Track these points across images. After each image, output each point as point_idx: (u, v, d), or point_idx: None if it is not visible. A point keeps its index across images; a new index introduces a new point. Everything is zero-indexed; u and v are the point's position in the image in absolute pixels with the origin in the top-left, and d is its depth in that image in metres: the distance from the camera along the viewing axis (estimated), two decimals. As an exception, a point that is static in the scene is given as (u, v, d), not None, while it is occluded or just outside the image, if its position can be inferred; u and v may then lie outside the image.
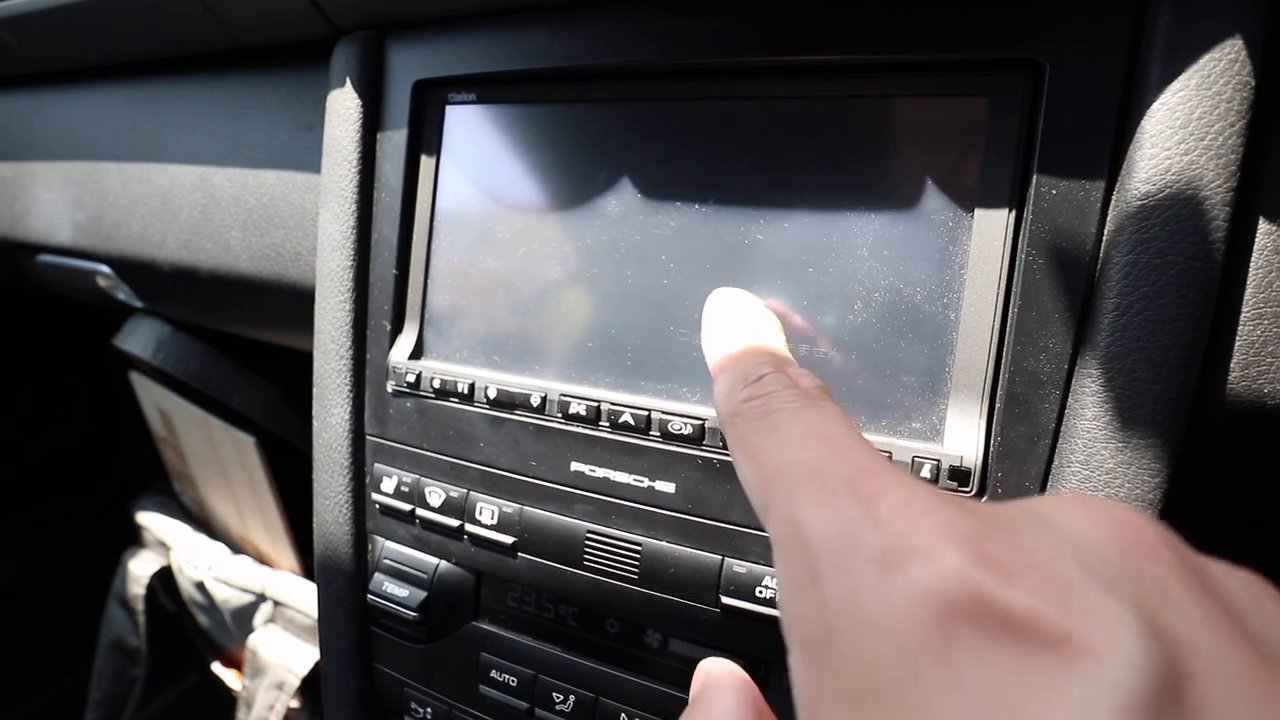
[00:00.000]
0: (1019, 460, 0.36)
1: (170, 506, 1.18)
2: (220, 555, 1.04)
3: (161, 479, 1.22)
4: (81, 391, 1.27)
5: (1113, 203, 0.34)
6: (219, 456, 1.00)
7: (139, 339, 0.88)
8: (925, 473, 0.36)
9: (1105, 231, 0.34)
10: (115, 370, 1.10)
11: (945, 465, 0.36)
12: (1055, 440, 0.35)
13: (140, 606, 1.11)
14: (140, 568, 1.12)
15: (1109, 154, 0.34)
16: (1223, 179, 0.32)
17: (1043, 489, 0.35)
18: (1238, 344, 0.34)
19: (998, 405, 0.36)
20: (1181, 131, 0.32)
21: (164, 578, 1.11)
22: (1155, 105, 0.33)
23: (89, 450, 1.32)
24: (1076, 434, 0.34)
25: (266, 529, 1.01)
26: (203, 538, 1.09)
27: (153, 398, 1.07)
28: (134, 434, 1.25)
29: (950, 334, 0.37)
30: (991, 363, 0.36)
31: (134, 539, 1.17)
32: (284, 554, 0.99)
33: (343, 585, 0.55)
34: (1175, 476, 0.33)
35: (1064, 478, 0.34)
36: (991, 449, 0.36)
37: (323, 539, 0.55)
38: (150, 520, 1.15)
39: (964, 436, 0.37)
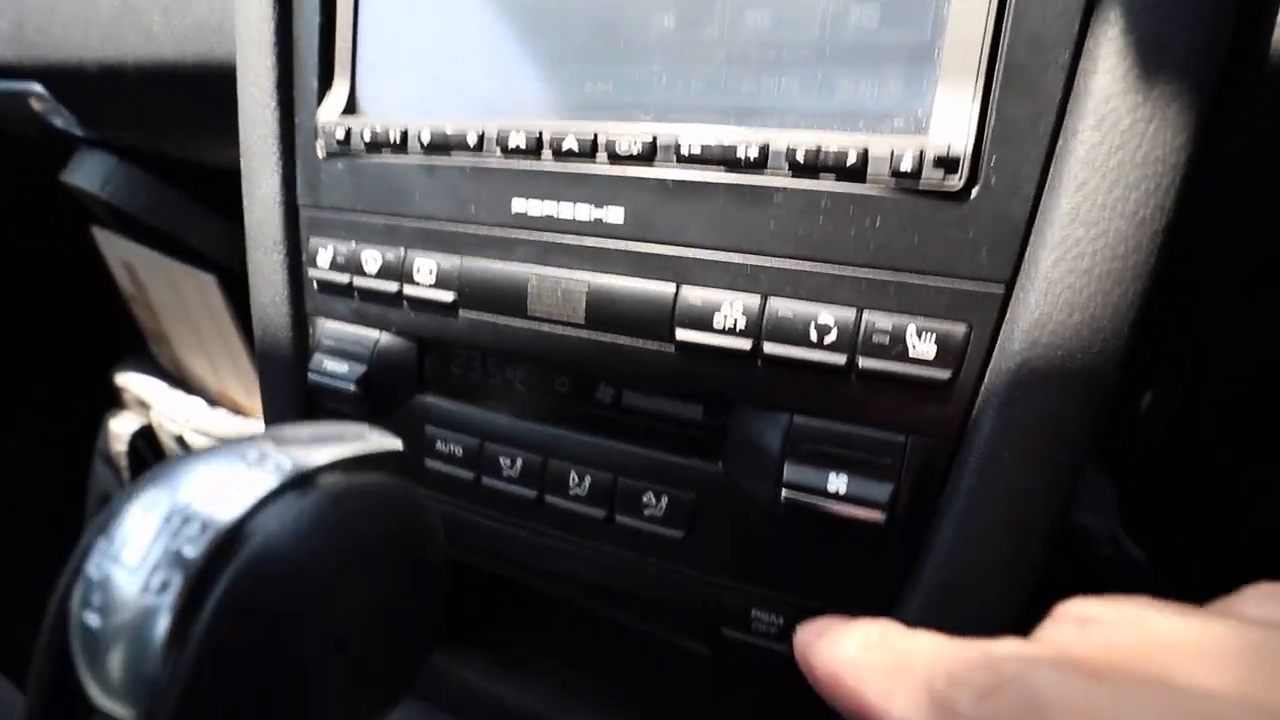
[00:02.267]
0: (1018, 143, 0.30)
1: (149, 369, 1.15)
2: (198, 409, 1.02)
3: (138, 344, 1.19)
4: (51, 271, 1.23)
5: None
6: (185, 306, 0.96)
7: (86, 172, 0.82)
8: (906, 164, 0.31)
9: None
10: (82, 243, 1.05)
11: (930, 155, 0.31)
12: (1061, 115, 0.30)
13: (124, 463, 1.10)
14: (121, 426, 1.11)
15: None
16: None
17: (1044, 174, 0.30)
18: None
19: (995, 80, 0.31)
20: None
21: (145, 436, 1.10)
22: None
23: (67, 325, 1.29)
24: (1089, 95, 0.29)
25: (239, 379, 0.98)
26: (180, 394, 1.06)
27: (116, 252, 1.02)
28: (110, 304, 1.21)
29: (941, 4, 0.31)
30: (989, 30, 0.31)
31: (115, 402, 1.16)
32: (258, 401, 0.97)
33: (283, 371, 0.51)
34: (1203, 138, 0.28)
35: (1071, 148, 0.29)
36: (986, 132, 0.31)
37: (261, 324, 0.51)
38: (129, 381, 1.12)
39: (953, 122, 0.31)
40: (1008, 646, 0.20)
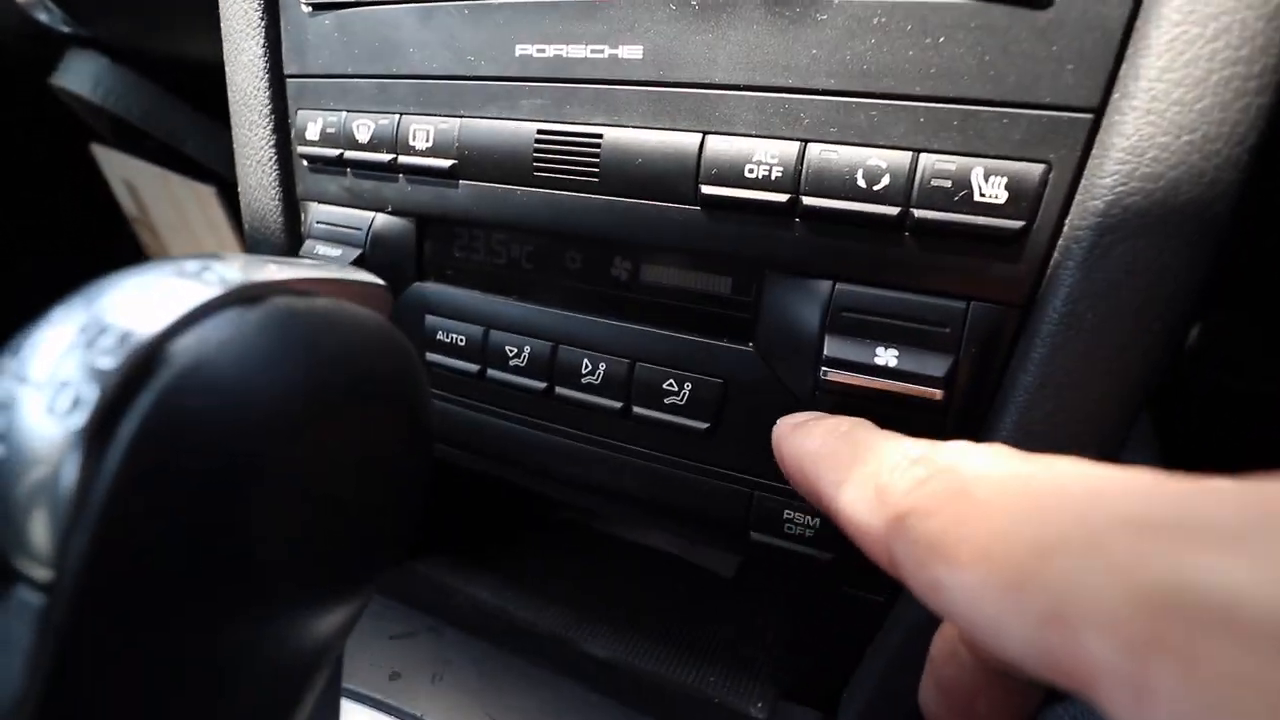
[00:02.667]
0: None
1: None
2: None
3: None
4: (53, 195, 1.19)
5: None
6: (189, 225, 0.92)
7: (76, 74, 0.78)
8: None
9: None
10: (83, 166, 1.01)
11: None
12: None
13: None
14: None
15: None
16: None
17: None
18: None
19: None
20: None
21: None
22: None
23: (72, 251, 1.26)
24: None
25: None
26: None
27: (116, 170, 0.99)
28: (116, 230, 1.18)
29: None
30: None
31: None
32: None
33: (274, 262, 0.47)
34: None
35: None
36: (1079, -83, 0.25)
37: (250, 211, 0.47)
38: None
39: (1040, -88, 0.26)
40: (956, 443, 0.20)
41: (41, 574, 0.16)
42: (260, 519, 0.18)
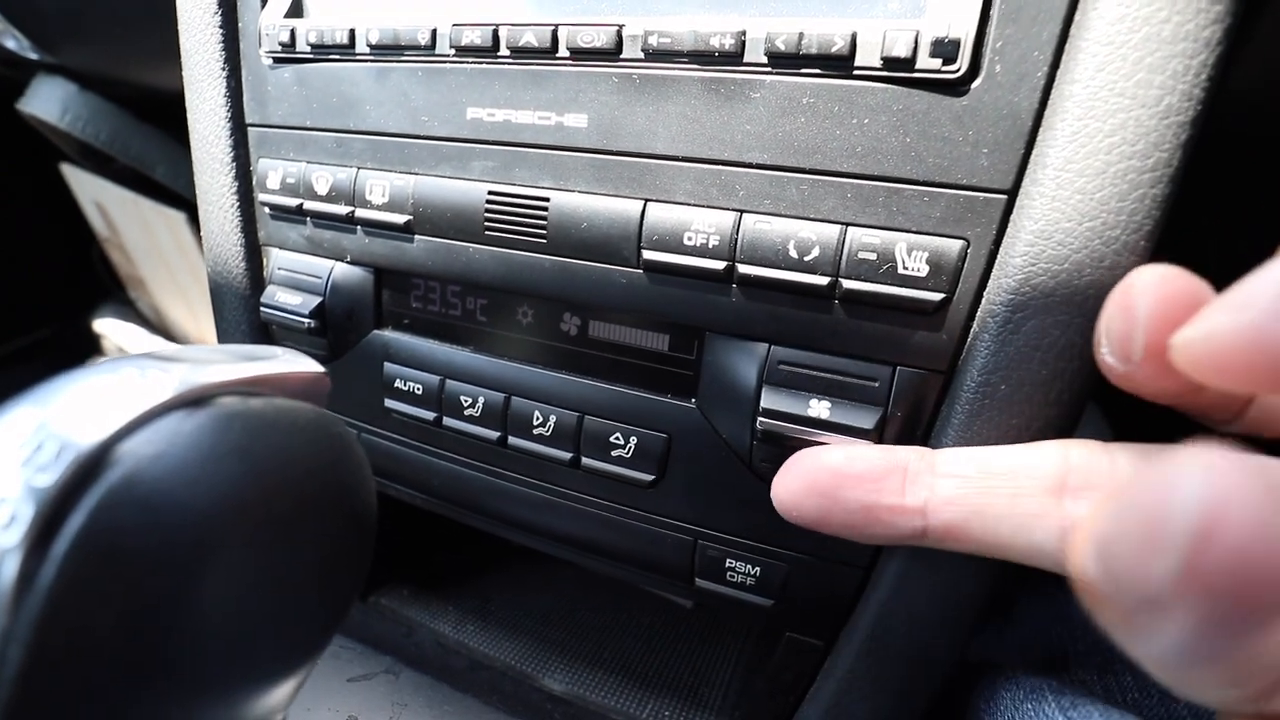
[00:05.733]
0: (1028, 20, 0.26)
1: (128, 314, 1.12)
2: (177, 355, 1.00)
3: (117, 289, 1.16)
4: (24, 215, 1.18)
5: None
6: (159, 247, 0.92)
7: (43, 100, 0.78)
8: (899, 50, 0.27)
9: None
10: (54, 185, 1.01)
11: (926, 38, 0.27)
12: (1079, -12, 0.26)
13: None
14: (101, 374, 1.08)
15: None
16: None
17: (1056, 56, 0.26)
18: None
19: (1003, -51, 0.26)
20: None
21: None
22: None
23: (44, 272, 1.25)
24: (1110, -39, 0.25)
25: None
26: (160, 340, 1.04)
27: (87, 191, 0.98)
28: (87, 250, 1.17)
29: None
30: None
31: (94, 349, 1.13)
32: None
33: (237, 306, 0.48)
34: (1241, 8, 0.24)
35: (1089, 23, 0.25)
36: (991, 10, 0.27)
37: (212, 255, 0.48)
38: (108, 328, 1.10)
39: (953, 1, 0.27)
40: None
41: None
42: (196, 621, 0.18)
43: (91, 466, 0.18)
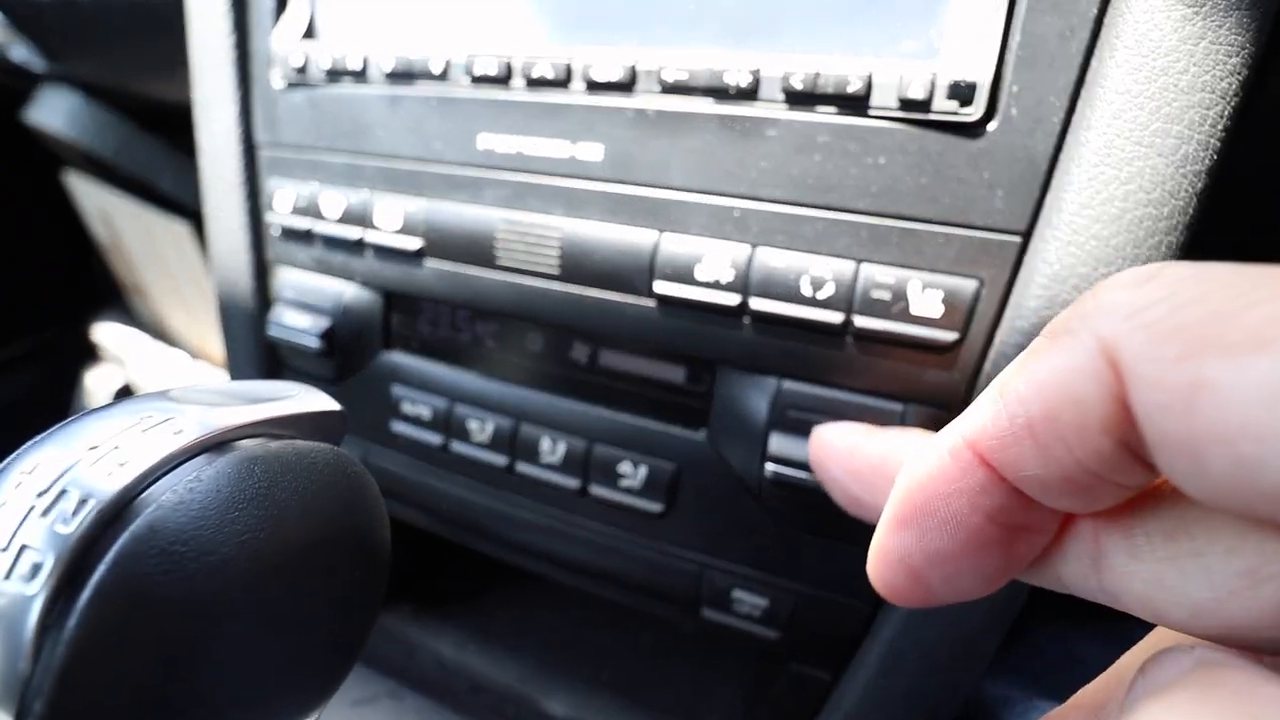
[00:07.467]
0: (1044, 66, 0.27)
1: (129, 322, 1.12)
2: (179, 363, 1.00)
3: (117, 297, 1.16)
4: (27, 220, 1.18)
5: None
6: (162, 256, 0.92)
7: (49, 110, 0.78)
8: (915, 92, 0.28)
9: None
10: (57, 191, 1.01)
11: (943, 81, 0.27)
12: (1096, 33, 0.26)
13: (104, 419, 1.07)
14: (99, 383, 1.08)
15: None
16: None
17: (1072, 103, 0.26)
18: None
19: (1020, -2, 0.27)
20: None
21: (125, 393, 1.07)
22: None
23: (45, 277, 1.25)
24: (1129, 8, 0.25)
25: (218, 332, 0.95)
26: (161, 348, 1.04)
27: (91, 200, 0.98)
28: (89, 256, 1.17)
29: (964, -92, 0.27)
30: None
31: (93, 357, 1.13)
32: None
33: (245, 325, 0.48)
34: (1261, 63, 0.24)
35: (1106, 73, 0.25)
36: (1008, 55, 0.27)
37: (220, 273, 0.48)
38: (108, 336, 1.09)
39: (970, 43, 0.27)
40: None
41: (1, 732, 0.17)
42: (216, 667, 0.18)
43: (114, 515, 0.18)
